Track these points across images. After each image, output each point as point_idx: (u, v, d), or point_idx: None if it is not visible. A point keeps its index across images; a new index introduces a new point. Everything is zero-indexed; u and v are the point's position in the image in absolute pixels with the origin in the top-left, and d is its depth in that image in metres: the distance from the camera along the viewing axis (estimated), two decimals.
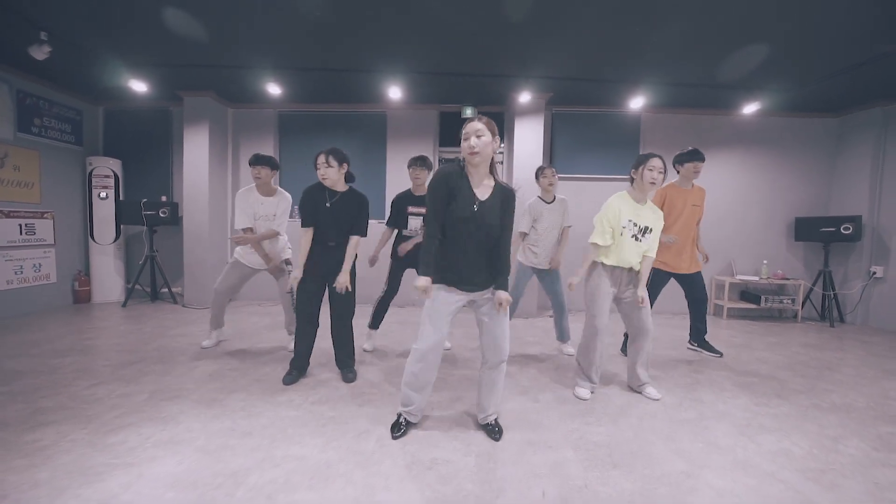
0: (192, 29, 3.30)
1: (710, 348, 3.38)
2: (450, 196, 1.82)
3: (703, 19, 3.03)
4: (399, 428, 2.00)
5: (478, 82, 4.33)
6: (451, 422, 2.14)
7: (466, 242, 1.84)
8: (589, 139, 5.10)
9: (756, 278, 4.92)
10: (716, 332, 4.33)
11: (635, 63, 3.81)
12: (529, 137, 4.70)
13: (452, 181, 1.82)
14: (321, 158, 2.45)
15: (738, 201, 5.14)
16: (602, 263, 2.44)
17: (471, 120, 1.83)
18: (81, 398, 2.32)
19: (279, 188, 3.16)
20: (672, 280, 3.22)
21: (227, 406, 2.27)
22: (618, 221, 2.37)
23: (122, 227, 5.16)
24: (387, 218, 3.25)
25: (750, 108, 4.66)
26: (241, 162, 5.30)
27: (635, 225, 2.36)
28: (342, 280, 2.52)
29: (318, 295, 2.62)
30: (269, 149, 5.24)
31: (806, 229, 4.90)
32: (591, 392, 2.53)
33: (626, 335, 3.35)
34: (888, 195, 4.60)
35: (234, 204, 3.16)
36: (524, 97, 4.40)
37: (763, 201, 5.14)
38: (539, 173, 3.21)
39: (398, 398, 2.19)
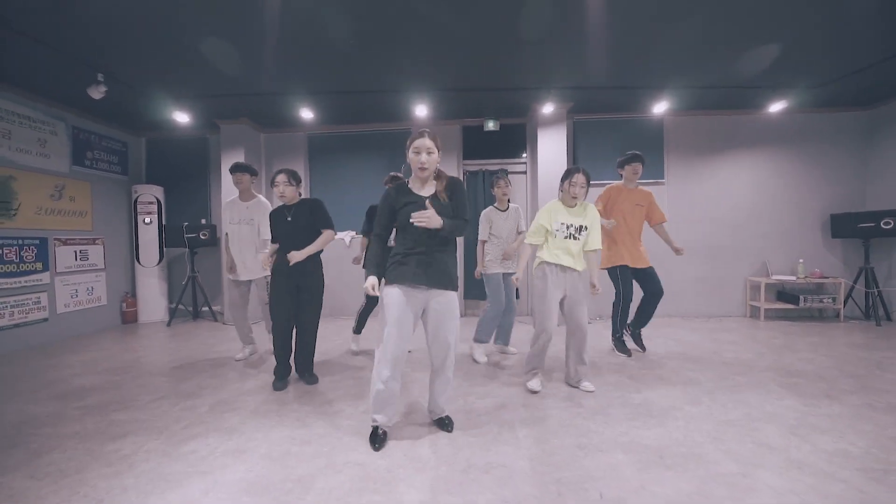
0: (231, 63, 3.53)
1: (624, 348, 3.48)
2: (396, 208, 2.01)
3: (726, 18, 3.05)
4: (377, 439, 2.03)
5: (500, 96, 4.45)
6: (498, 427, 2.20)
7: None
8: (611, 145, 5.12)
9: (793, 278, 4.81)
10: (754, 332, 4.25)
11: (657, 68, 3.86)
12: (552, 147, 4.78)
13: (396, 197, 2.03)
14: (283, 177, 2.78)
15: (768, 200, 5.07)
16: (546, 262, 2.63)
17: (421, 136, 1.94)
18: (149, 411, 2.48)
19: (258, 195, 3.41)
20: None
21: (284, 417, 2.38)
22: (549, 223, 2.64)
23: (164, 249, 5.45)
24: (363, 226, 3.48)
25: (776, 107, 4.63)
26: None
27: (569, 227, 2.60)
28: (296, 255, 2.70)
29: (292, 299, 2.81)
30: (299, 169, 5.47)
31: (843, 226, 4.78)
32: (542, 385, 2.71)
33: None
34: None
35: (222, 214, 3.43)
36: (547, 108, 4.50)
37: (794, 199, 5.05)
38: (493, 183, 3.34)
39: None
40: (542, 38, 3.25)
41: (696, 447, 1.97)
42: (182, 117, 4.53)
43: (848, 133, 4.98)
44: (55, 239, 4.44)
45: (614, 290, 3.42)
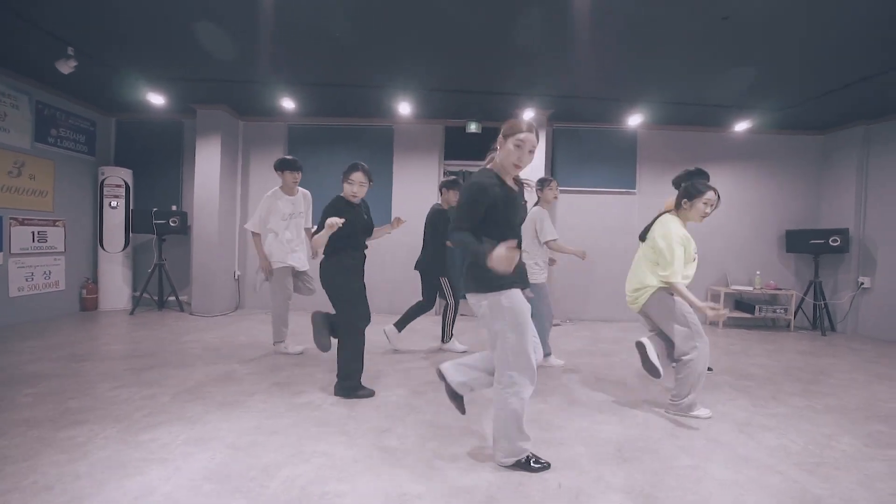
0: (215, 46, 3.45)
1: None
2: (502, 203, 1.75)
3: (699, 46, 3.24)
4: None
5: (484, 99, 4.52)
6: (467, 420, 2.24)
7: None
8: (587, 154, 5.30)
9: (750, 288, 5.09)
10: (714, 339, 4.46)
11: (634, 83, 4.03)
12: None
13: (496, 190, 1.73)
14: (362, 176, 2.56)
15: (730, 214, 5.33)
16: (666, 291, 2.41)
17: (530, 130, 1.71)
18: (107, 399, 2.40)
19: (299, 187, 3.51)
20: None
21: (250, 407, 2.35)
22: (691, 247, 2.35)
23: (130, 235, 5.24)
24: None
25: (741, 126, 4.89)
26: (251, 173, 5.43)
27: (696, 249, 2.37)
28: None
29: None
30: None
31: (796, 241, 5.10)
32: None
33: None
34: (872, 208, 4.82)
35: (262, 205, 3.38)
36: (528, 114, 4.60)
37: (755, 214, 5.35)
38: (545, 185, 3.32)
39: (411, 400, 2.28)
40: (533, 49, 3.33)
41: (653, 443, 2.07)
42: (157, 99, 4.39)
43: (804, 155, 5.32)
44: (11, 218, 4.21)
45: None
